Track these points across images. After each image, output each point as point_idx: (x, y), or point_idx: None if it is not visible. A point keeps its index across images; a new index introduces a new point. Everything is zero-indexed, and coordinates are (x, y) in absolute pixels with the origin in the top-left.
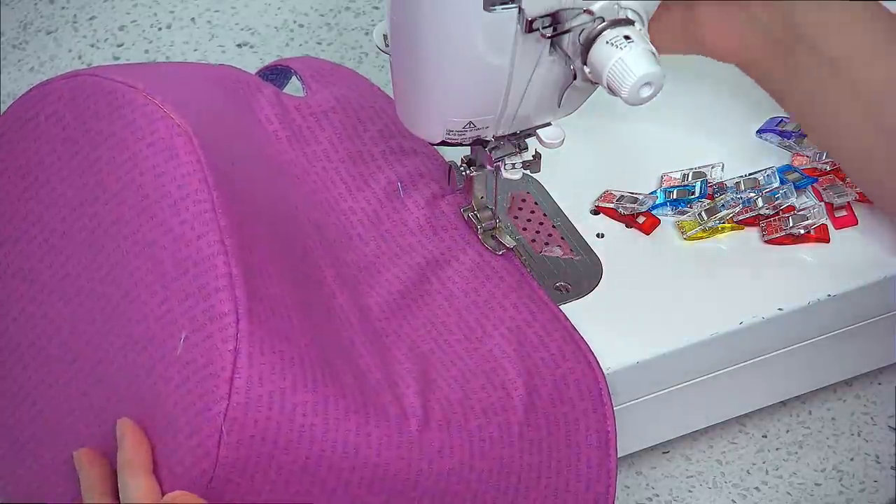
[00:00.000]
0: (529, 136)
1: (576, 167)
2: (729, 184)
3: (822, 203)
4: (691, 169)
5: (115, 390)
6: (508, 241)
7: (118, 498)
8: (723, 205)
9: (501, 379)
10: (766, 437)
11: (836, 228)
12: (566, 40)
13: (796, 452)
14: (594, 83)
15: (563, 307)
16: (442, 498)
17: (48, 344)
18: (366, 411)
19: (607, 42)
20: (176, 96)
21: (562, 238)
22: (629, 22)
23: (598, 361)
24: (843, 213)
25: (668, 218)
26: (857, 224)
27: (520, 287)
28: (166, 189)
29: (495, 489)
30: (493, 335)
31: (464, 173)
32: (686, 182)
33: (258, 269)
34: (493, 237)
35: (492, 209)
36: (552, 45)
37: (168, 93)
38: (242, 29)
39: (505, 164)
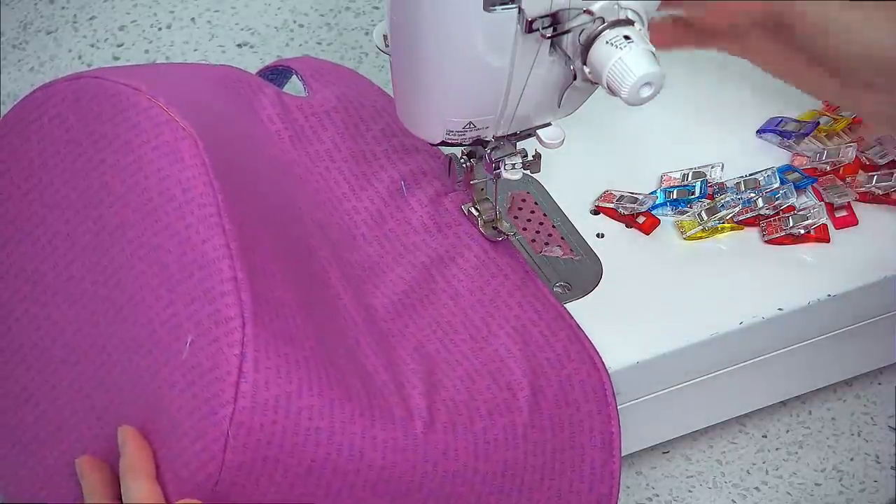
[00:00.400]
0: (529, 136)
1: (576, 167)
2: (729, 184)
3: (822, 203)
4: (691, 169)
5: (118, 393)
6: (506, 228)
7: (120, 502)
8: (723, 205)
9: (507, 379)
10: (766, 437)
11: (836, 228)
12: (566, 40)
13: (796, 452)
14: (594, 83)
15: None
16: (446, 500)
17: (52, 345)
18: (371, 413)
19: (607, 42)
20: (179, 98)
21: (562, 238)
22: (629, 22)
23: (602, 361)
24: (843, 213)
25: (668, 218)
26: (857, 224)
27: (524, 284)
28: (171, 192)
29: (499, 491)
30: (499, 334)
31: (464, 165)
32: (686, 182)
33: (261, 269)
34: (495, 227)
35: (492, 201)
36: (552, 45)
37: (172, 95)
38: (242, 29)
39: (505, 164)
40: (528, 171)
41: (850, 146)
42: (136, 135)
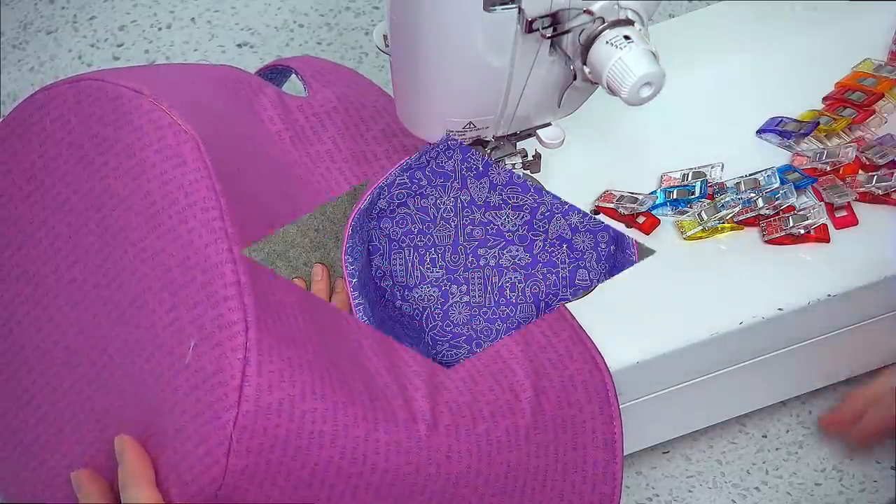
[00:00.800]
0: (529, 136)
1: (576, 167)
2: (729, 184)
3: (822, 203)
4: (691, 169)
5: (120, 396)
6: None
7: None
8: (723, 205)
9: (510, 381)
10: (766, 437)
11: (836, 228)
12: (566, 40)
13: (796, 452)
14: (594, 83)
15: None
16: (449, 502)
17: (53, 347)
18: (374, 416)
19: (607, 42)
20: (181, 101)
21: None
22: (629, 22)
23: (604, 361)
24: (843, 213)
25: (668, 218)
26: (857, 224)
27: None
28: (174, 196)
29: (501, 492)
30: None
31: None
32: (686, 182)
33: (262, 270)
34: None
35: None
36: (552, 45)
37: (174, 98)
38: (242, 29)
39: (505, 165)
40: (528, 171)
41: (850, 146)
42: (139, 138)
